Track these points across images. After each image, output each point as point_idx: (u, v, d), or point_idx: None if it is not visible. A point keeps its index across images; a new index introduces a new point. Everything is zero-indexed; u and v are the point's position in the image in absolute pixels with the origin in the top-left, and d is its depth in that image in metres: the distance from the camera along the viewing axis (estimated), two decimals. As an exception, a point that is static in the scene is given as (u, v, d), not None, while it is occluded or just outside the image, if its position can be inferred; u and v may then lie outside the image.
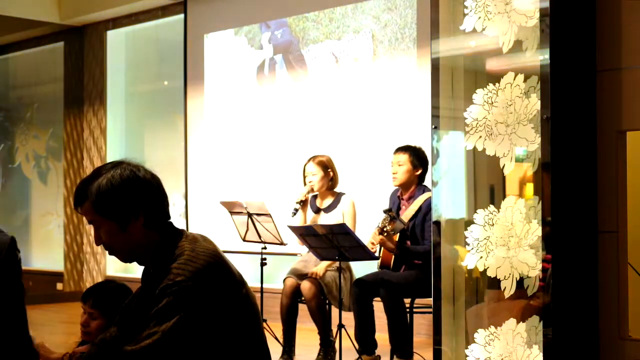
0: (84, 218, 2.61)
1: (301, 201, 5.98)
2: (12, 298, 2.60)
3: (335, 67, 7.73)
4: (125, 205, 2.49)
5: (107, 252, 2.62)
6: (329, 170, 6.01)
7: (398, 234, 5.42)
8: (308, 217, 6.03)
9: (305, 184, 6.03)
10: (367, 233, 5.65)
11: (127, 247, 2.57)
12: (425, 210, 5.29)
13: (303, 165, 6.09)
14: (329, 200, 6.02)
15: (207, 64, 8.91)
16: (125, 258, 2.62)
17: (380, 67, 7.38)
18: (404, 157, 5.52)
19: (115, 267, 10.09)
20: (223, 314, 2.53)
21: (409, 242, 5.45)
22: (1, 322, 2.57)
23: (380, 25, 7.37)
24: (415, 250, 5.37)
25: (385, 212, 5.41)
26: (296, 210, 5.96)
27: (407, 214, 5.46)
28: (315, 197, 6.07)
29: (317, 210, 6.03)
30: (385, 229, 5.33)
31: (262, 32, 8.41)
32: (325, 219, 5.85)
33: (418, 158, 5.52)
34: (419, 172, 5.53)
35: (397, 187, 5.63)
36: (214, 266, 2.53)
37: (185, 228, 9.12)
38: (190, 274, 2.47)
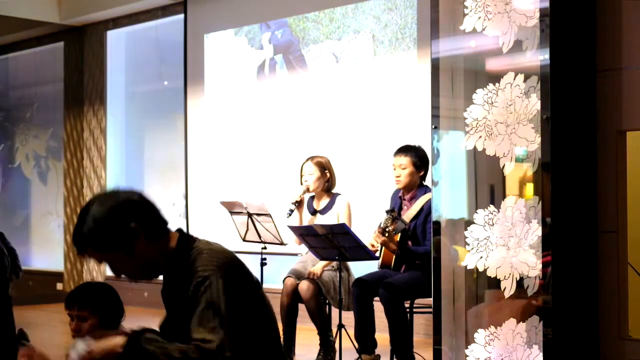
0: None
1: (296, 202, 5.97)
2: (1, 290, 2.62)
3: (335, 67, 7.73)
4: (120, 232, 2.48)
5: (132, 280, 2.63)
6: (326, 171, 6.01)
7: (399, 234, 5.41)
8: (305, 219, 6.01)
9: (302, 184, 6.03)
10: (367, 233, 5.64)
11: (143, 267, 2.58)
12: (427, 211, 5.28)
13: (301, 165, 6.09)
14: (324, 202, 6.02)
15: (207, 64, 8.91)
16: (148, 275, 2.62)
17: (381, 67, 7.38)
18: (406, 160, 5.47)
19: (115, 267, 10.08)
20: (244, 310, 2.52)
21: (410, 243, 5.45)
22: None
23: (381, 25, 7.37)
24: (417, 251, 5.36)
25: (387, 212, 5.40)
26: (291, 211, 5.94)
27: (408, 214, 5.45)
28: (312, 198, 6.06)
29: (314, 212, 6.03)
30: (387, 229, 5.32)
31: (262, 32, 8.41)
32: (321, 221, 5.84)
33: (420, 159, 5.48)
34: (422, 173, 5.50)
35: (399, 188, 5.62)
36: (234, 263, 2.54)
37: (185, 228, 9.12)
38: (216, 268, 2.48)
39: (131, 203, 2.51)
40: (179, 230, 2.65)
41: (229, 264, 2.53)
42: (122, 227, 2.47)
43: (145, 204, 2.54)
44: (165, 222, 2.61)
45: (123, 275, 2.59)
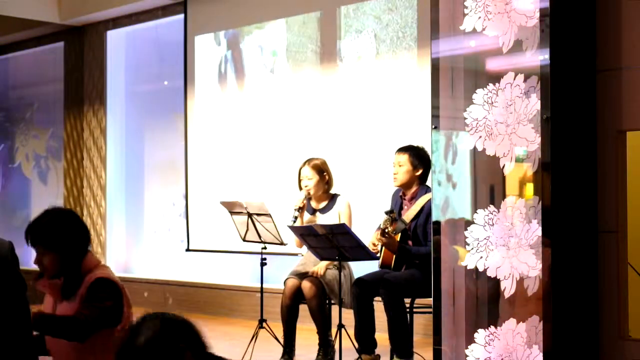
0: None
1: (299, 207, 5.97)
2: (19, 295, 2.64)
3: (338, 66, 7.72)
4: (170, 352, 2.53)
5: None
6: (325, 173, 6.01)
7: (399, 234, 5.41)
8: (304, 219, 6.02)
9: (300, 187, 6.03)
10: (367, 233, 5.64)
11: None
12: (428, 211, 5.28)
13: (298, 168, 6.09)
14: (324, 202, 6.03)
15: (207, 64, 8.90)
16: None
17: (383, 66, 7.38)
18: (404, 158, 5.51)
19: (115, 267, 10.08)
20: None
21: (410, 243, 5.45)
22: (7, 318, 2.60)
23: (382, 25, 7.37)
24: (417, 252, 5.36)
25: (386, 213, 5.40)
26: (295, 218, 5.95)
27: (408, 214, 5.45)
28: (310, 199, 6.07)
29: (313, 212, 6.03)
30: (386, 230, 5.33)
31: (263, 32, 8.40)
32: (322, 220, 5.84)
33: (418, 158, 5.50)
34: (420, 172, 5.51)
35: (398, 187, 5.62)
36: None
37: (185, 228, 9.14)
38: None
39: (180, 324, 2.56)
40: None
41: None
42: (172, 347, 2.51)
43: (193, 328, 2.58)
44: (206, 346, 2.64)
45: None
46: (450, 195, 4.17)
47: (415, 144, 5.62)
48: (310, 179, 5.97)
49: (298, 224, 5.98)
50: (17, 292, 2.65)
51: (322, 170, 6.01)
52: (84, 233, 3.58)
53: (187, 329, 2.55)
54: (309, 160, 6.05)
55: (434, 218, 4.22)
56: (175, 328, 2.53)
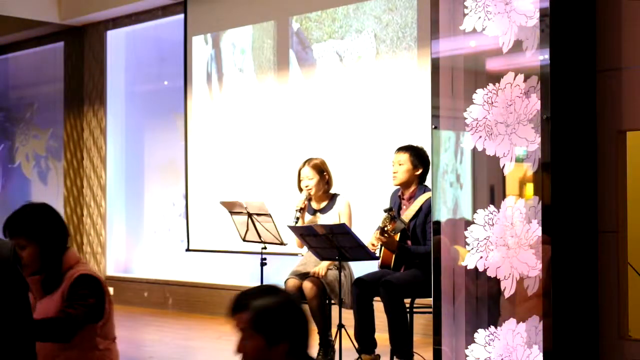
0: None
1: (301, 208, 5.97)
2: (21, 296, 2.65)
3: (339, 66, 7.73)
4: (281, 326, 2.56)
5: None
6: (325, 173, 6.01)
7: (399, 234, 5.41)
8: (305, 219, 6.02)
9: (299, 187, 6.03)
10: (367, 233, 5.64)
11: None
12: (426, 210, 5.28)
13: (298, 168, 6.09)
14: (324, 202, 6.03)
15: (207, 64, 8.91)
16: None
17: (383, 66, 7.38)
18: (404, 157, 5.52)
19: (115, 267, 10.10)
20: None
21: (409, 242, 5.45)
22: (8, 319, 2.60)
23: (382, 25, 7.38)
24: (417, 251, 5.36)
25: (385, 211, 5.41)
26: (297, 219, 5.95)
27: (407, 213, 5.45)
28: (310, 200, 6.06)
29: (314, 212, 6.03)
30: (385, 229, 5.33)
31: (264, 32, 8.40)
32: (322, 220, 5.84)
33: (418, 157, 5.51)
34: (419, 171, 5.52)
35: (397, 187, 5.63)
36: None
37: (185, 228, 9.14)
38: None
39: (300, 314, 2.59)
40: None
41: None
42: (283, 327, 2.54)
43: (307, 321, 2.61)
44: (308, 347, 2.64)
45: (241, 355, 2.60)
46: (450, 195, 4.17)
47: (415, 144, 5.63)
48: (311, 178, 5.97)
49: (299, 224, 5.98)
50: (19, 293, 2.66)
51: (322, 170, 6.01)
52: (63, 227, 3.57)
53: (303, 321, 2.58)
54: (308, 160, 6.05)
55: (434, 218, 4.22)
56: (295, 314, 2.56)
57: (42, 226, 3.43)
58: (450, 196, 4.17)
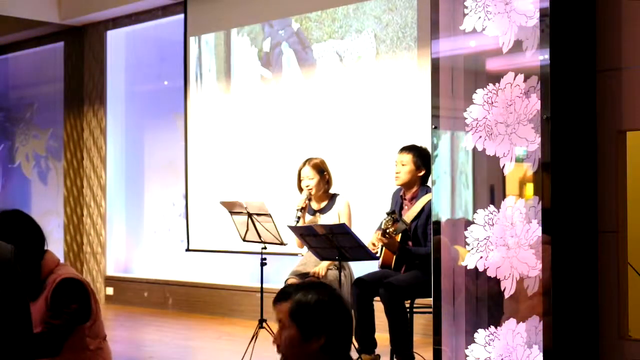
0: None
1: (302, 208, 5.98)
2: (21, 299, 2.65)
3: (339, 66, 7.73)
4: (318, 322, 2.57)
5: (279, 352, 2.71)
6: (325, 173, 6.02)
7: (400, 235, 5.41)
8: (305, 220, 6.02)
9: (299, 186, 6.03)
10: (367, 233, 5.64)
11: (294, 356, 2.64)
12: (428, 211, 5.27)
13: (298, 168, 6.09)
14: (324, 202, 6.03)
15: (207, 64, 8.91)
16: None
17: (383, 66, 7.38)
18: (408, 157, 5.49)
19: (115, 267, 10.10)
20: None
21: (410, 243, 5.44)
22: (9, 322, 2.60)
23: (382, 25, 7.37)
24: (418, 252, 5.36)
25: (388, 214, 5.39)
26: (299, 218, 5.95)
27: (409, 214, 5.45)
28: (310, 199, 6.07)
29: (314, 213, 6.03)
30: (387, 231, 5.32)
31: (264, 32, 8.40)
32: (322, 221, 5.84)
33: (422, 158, 5.48)
34: (422, 173, 5.50)
35: (399, 187, 5.62)
36: None
37: (185, 228, 9.15)
38: None
39: (341, 313, 2.57)
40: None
41: None
42: (319, 324, 2.55)
43: (348, 322, 2.59)
44: (349, 348, 2.64)
45: (277, 345, 2.65)
46: (450, 195, 4.17)
47: (418, 144, 5.60)
48: (312, 178, 5.97)
49: (300, 224, 5.98)
50: (20, 295, 2.66)
51: (322, 169, 6.01)
52: (39, 232, 3.52)
53: (342, 321, 2.57)
54: (308, 160, 6.05)
55: (434, 218, 4.22)
56: (334, 313, 2.55)
57: (16, 233, 3.35)
58: (450, 196, 4.17)
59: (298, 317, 2.55)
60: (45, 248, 3.58)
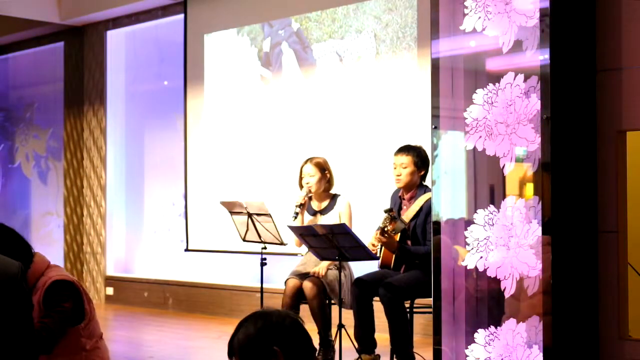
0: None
1: (301, 204, 5.98)
2: (26, 314, 2.66)
3: (339, 66, 7.73)
4: (263, 353, 2.55)
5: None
6: (326, 172, 6.02)
7: (399, 234, 5.41)
8: (305, 220, 6.02)
9: (301, 185, 6.03)
10: (367, 233, 5.64)
11: None
12: (427, 210, 5.27)
13: (300, 166, 6.09)
14: (325, 202, 6.03)
15: (207, 64, 8.91)
16: None
17: (383, 66, 7.38)
18: (407, 159, 5.47)
19: (115, 267, 10.10)
20: None
21: (409, 242, 5.44)
22: (14, 337, 2.61)
23: (382, 25, 7.38)
24: (417, 252, 5.36)
25: (386, 211, 5.40)
26: (297, 214, 5.95)
27: (408, 214, 5.45)
28: (310, 199, 6.07)
29: (314, 213, 6.03)
30: (386, 229, 5.32)
31: (263, 32, 8.41)
32: (323, 221, 5.84)
33: (421, 159, 5.48)
34: (422, 173, 5.50)
35: (398, 188, 5.61)
36: None
37: (184, 228, 9.15)
38: None
39: (280, 327, 2.57)
40: None
41: None
42: (266, 348, 2.55)
43: (296, 331, 2.59)
44: (312, 351, 2.63)
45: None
46: (450, 195, 4.17)
47: (414, 144, 5.60)
48: (312, 176, 5.97)
49: (298, 221, 5.98)
50: (25, 310, 2.67)
51: (324, 168, 6.01)
52: (22, 243, 3.45)
53: (288, 332, 2.59)
54: (311, 159, 6.05)
55: (434, 218, 4.22)
56: (274, 330, 2.58)
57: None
58: (450, 196, 4.17)
59: (248, 358, 2.57)
60: (34, 251, 3.55)
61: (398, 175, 5.49)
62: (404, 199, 5.57)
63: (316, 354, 2.69)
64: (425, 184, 5.51)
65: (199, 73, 8.96)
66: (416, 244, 5.41)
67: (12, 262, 2.71)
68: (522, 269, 3.83)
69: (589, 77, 3.99)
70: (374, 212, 6.20)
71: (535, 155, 3.81)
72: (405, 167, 5.47)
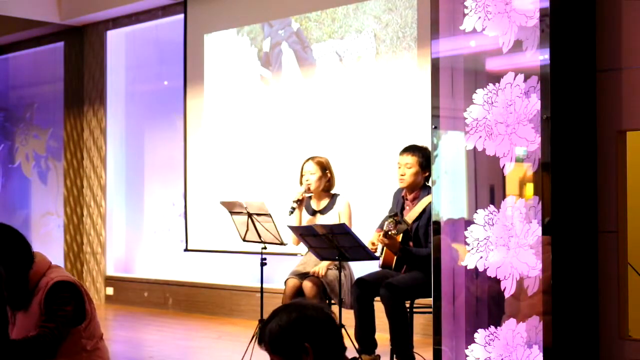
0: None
1: (298, 200, 5.98)
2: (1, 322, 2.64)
3: (339, 66, 7.73)
4: (292, 345, 2.57)
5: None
6: (327, 171, 6.02)
7: (401, 235, 5.40)
8: (304, 219, 6.02)
9: (301, 183, 6.03)
10: (367, 233, 5.64)
11: None
12: (429, 212, 5.25)
13: (301, 164, 6.09)
14: (324, 202, 6.03)
15: (207, 64, 8.91)
16: None
17: (383, 66, 7.38)
18: (412, 159, 5.44)
19: (115, 267, 10.09)
20: None
21: (411, 244, 5.44)
22: None
23: (382, 25, 7.38)
24: (419, 253, 5.34)
25: (390, 216, 5.36)
26: (293, 209, 5.96)
27: (410, 215, 5.43)
28: (310, 198, 6.07)
29: (313, 213, 6.03)
30: (389, 232, 5.30)
31: (263, 32, 8.41)
32: (322, 221, 5.84)
33: (426, 159, 5.44)
34: (427, 174, 5.47)
35: (401, 187, 5.60)
36: None
37: (184, 228, 9.14)
38: None
39: (314, 322, 2.58)
40: None
41: None
42: (297, 342, 2.56)
43: (329, 327, 2.59)
44: (342, 349, 2.63)
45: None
46: (450, 195, 4.17)
47: (420, 144, 5.56)
48: (313, 173, 5.97)
49: (296, 218, 5.98)
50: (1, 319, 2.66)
51: (325, 167, 6.01)
52: (24, 244, 3.45)
53: (322, 328, 2.59)
54: (312, 157, 6.06)
55: (434, 218, 4.22)
56: (308, 324, 2.58)
57: (3, 250, 3.33)
58: (451, 196, 4.17)
59: (277, 348, 2.57)
60: (35, 251, 3.55)
61: (402, 175, 5.46)
62: (406, 199, 5.55)
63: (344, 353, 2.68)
64: (429, 185, 5.49)
65: (199, 73, 8.96)
66: (418, 246, 5.40)
67: None
68: (522, 269, 3.83)
69: (589, 77, 3.99)
70: (374, 212, 6.20)
71: (535, 155, 3.81)
72: (409, 167, 5.44)
